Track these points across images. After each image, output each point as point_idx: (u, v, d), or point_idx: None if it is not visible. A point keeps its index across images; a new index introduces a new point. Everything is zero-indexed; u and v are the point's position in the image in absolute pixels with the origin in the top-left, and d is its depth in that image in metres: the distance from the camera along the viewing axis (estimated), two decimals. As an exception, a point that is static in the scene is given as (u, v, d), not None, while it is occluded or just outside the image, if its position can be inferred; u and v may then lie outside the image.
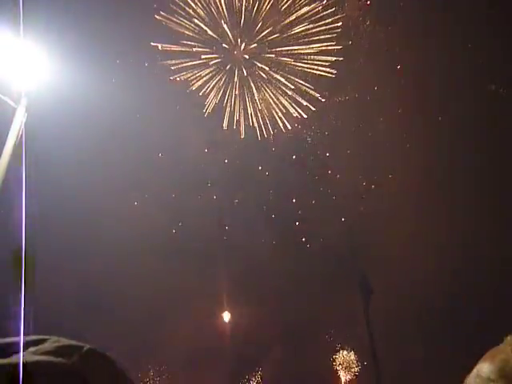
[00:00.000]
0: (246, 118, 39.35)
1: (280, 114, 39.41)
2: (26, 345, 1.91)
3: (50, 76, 11.26)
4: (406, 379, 36.48)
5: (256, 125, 39.60)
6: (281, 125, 40.16)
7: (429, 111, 39.05)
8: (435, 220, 40.02)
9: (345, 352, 42.85)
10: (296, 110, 39.30)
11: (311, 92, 38.19)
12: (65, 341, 2.16)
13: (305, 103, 38.92)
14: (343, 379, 42.71)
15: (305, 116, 39.64)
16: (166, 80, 38.27)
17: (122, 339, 34.19)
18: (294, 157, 42.05)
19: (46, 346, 2.04)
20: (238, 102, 38.10)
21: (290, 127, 40.17)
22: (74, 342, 2.08)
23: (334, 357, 42.78)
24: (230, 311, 42.97)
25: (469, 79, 37.30)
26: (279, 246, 43.83)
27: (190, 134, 40.34)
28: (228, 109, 38.27)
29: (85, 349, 1.91)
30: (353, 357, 42.86)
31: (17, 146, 9.49)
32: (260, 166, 42.77)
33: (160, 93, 39.05)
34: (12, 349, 1.90)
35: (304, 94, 37.84)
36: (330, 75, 37.09)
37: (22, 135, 9.53)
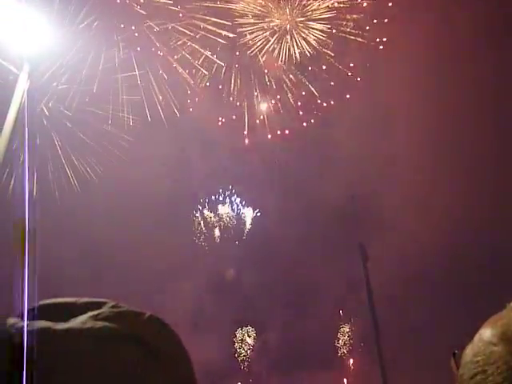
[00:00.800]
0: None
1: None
2: (84, 307, 1.91)
3: (51, 41, 11.31)
4: (408, 344, 37.14)
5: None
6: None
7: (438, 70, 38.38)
8: (438, 181, 39.96)
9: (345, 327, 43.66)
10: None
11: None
12: (124, 306, 2.13)
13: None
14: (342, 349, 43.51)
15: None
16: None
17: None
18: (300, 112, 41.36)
19: (105, 310, 2.02)
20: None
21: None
22: (134, 309, 2.09)
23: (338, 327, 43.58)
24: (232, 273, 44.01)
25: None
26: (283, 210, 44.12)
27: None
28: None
29: (146, 316, 1.90)
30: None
31: (19, 112, 9.66)
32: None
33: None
34: (69, 310, 1.91)
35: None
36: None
37: (24, 101, 9.68)
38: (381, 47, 36.41)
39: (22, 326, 2.04)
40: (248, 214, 42.95)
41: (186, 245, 42.86)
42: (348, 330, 43.05)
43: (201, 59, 33.14)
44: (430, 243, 38.81)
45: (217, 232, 43.59)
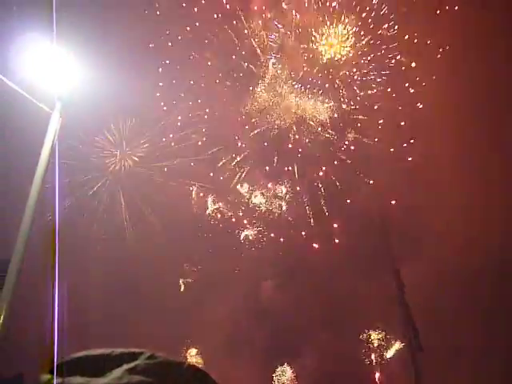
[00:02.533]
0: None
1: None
2: (119, 360, 1.80)
3: (82, 81, 11.53)
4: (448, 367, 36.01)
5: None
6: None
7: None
8: (479, 177, 38.96)
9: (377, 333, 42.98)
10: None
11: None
12: (160, 356, 2.02)
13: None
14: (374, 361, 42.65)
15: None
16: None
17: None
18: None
19: (141, 362, 1.90)
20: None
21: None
22: (170, 359, 1.95)
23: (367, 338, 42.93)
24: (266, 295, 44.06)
25: None
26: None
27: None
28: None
29: (185, 366, 1.77)
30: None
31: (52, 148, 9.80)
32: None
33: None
34: (105, 363, 1.78)
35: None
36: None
37: (55, 138, 9.82)
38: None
39: None
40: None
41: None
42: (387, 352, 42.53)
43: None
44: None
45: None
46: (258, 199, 44.49)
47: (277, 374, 42.41)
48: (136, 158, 39.99)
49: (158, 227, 40.76)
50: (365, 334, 43.12)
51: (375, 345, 42.81)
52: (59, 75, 10.49)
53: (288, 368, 42.89)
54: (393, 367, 42.06)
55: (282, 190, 44.50)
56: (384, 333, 42.89)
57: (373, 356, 42.57)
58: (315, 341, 42.34)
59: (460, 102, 38.21)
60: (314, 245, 44.60)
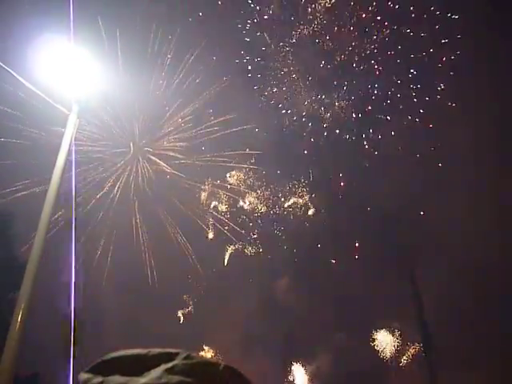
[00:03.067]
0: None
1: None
2: (157, 359, 1.77)
3: (100, 83, 11.52)
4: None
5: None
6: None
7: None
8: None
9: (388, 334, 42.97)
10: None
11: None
12: (197, 356, 2.01)
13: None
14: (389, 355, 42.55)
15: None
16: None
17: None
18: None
19: (179, 362, 1.89)
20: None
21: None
22: (207, 359, 1.92)
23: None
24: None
25: None
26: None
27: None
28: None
29: (221, 367, 1.74)
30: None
31: (69, 151, 9.81)
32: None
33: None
34: (142, 362, 1.74)
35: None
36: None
37: (73, 141, 9.83)
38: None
39: (99, 383, 1.82)
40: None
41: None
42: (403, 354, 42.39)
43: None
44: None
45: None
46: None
47: (290, 373, 42.56)
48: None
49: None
50: (379, 334, 43.03)
51: (389, 345, 42.71)
52: (77, 77, 10.49)
53: (301, 367, 42.95)
54: (407, 368, 41.92)
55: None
56: (399, 332, 42.77)
57: (387, 356, 42.49)
58: (329, 340, 42.41)
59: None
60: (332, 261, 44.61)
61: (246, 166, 42.57)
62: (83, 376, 1.86)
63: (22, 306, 8.96)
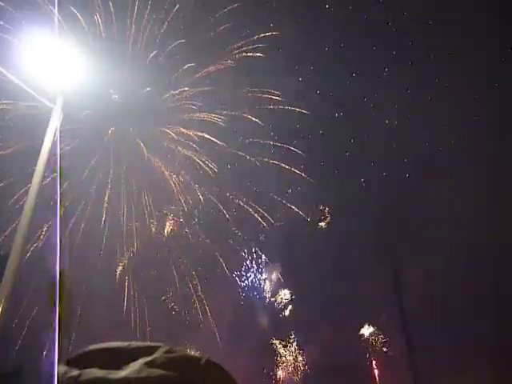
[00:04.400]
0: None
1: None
2: (137, 353, 1.79)
3: (84, 75, 11.48)
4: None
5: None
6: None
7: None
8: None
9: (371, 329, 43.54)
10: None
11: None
12: (178, 350, 2.02)
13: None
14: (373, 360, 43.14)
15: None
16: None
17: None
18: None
19: (159, 356, 1.90)
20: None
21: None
22: (188, 354, 1.93)
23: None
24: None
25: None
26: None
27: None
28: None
29: (203, 360, 1.77)
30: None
31: (53, 143, 9.78)
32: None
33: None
34: (122, 355, 1.76)
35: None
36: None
37: (57, 133, 9.79)
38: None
39: (76, 376, 1.89)
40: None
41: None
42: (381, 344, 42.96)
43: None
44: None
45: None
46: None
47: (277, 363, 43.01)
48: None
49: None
50: (364, 329, 43.59)
51: (374, 339, 43.24)
52: (61, 69, 10.45)
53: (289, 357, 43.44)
54: (391, 362, 42.46)
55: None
56: (380, 329, 43.36)
57: (371, 350, 43.03)
58: (315, 333, 42.90)
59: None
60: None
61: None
62: (60, 369, 1.88)
63: (2, 300, 8.91)
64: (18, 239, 9.22)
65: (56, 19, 10.46)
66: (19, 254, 9.12)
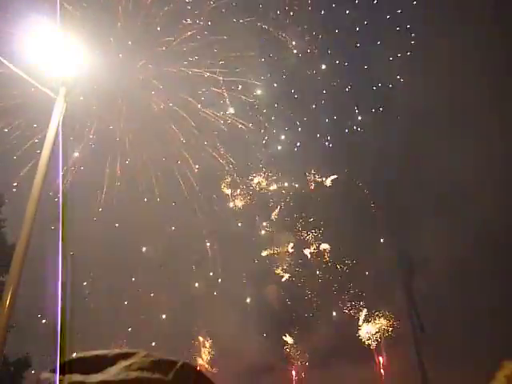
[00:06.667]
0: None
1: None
2: (115, 358, 1.83)
3: (88, 66, 11.41)
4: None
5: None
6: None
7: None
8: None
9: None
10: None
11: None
12: (156, 355, 2.06)
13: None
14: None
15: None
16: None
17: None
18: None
19: (137, 360, 1.94)
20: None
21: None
22: (166, 357, 1.99)
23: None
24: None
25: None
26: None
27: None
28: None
29: (179, 364, 1.81)
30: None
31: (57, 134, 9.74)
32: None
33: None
34: (102, 362, 1.81)
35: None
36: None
37: (60, 123, 9.75)
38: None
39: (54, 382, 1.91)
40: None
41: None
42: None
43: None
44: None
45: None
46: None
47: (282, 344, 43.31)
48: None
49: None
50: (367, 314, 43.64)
51: (377, 324, 43.20)
52: (64, 60, 10.37)
53: (290, 339, 43.76)
54: (395, 347, 42.49)
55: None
56: (387, 313, 43.25)
57: (375, 335, 42.99)
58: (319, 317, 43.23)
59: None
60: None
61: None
62: (43, 376, 1.92)
63: (11, 290, 8.94)
64: (24, 231, 9.23)
65: (58, 7, 10.36)
66: (26, 244, 9.14)
